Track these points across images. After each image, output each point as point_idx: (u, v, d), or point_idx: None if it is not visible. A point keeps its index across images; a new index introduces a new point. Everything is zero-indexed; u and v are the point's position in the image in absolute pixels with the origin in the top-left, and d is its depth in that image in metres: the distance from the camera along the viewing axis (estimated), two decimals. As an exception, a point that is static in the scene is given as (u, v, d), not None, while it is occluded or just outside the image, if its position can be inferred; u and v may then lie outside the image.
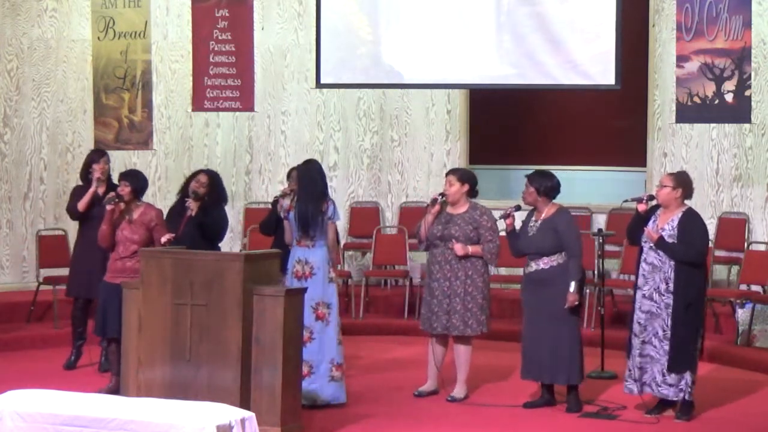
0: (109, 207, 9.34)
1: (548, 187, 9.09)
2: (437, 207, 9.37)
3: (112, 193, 9.48)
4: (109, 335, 9.33)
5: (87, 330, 10.45)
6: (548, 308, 8.93)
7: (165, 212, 10.10)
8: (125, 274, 9.15)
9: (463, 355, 9.41)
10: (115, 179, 10.22)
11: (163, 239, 9.14)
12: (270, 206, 10.69)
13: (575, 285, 8.88)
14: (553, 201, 9.13)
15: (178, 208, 10.12)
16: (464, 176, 9.46)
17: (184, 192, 10.18)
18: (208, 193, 10.06)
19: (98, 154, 10.76)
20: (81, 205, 10.44)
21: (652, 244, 8.70)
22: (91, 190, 10.42)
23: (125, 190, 9.37)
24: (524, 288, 9.22)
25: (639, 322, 8.77)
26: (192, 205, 9.94)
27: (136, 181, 9.46)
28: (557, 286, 8.90)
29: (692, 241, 8.65)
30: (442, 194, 9.39)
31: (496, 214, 9.36)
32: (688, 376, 8.65)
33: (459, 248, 9.25)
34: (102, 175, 10.45)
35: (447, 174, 9.54)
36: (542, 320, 8.96)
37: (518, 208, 9.30)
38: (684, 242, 8.63)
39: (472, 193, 9.42)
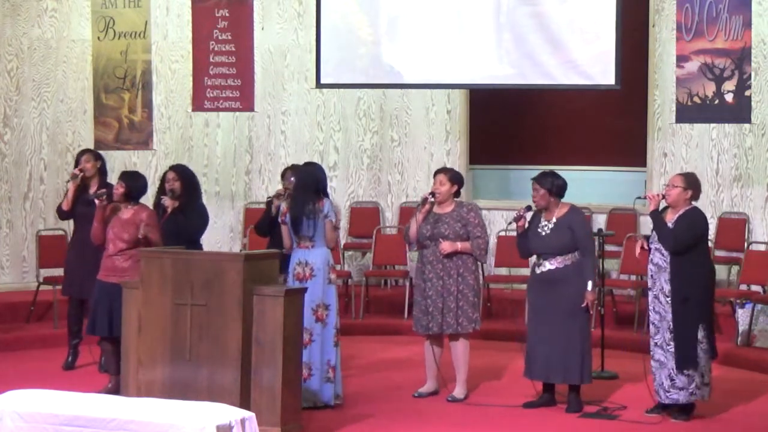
0: (97, 201, 9.35)
1: (559, 186, 9.06)
2: (428, 206, 9.36)
3: (103, 189, 9.50)
4: (98, 333, 9.35)
5: (82, 329, 10.45)
6: (561, 307, 8.89)
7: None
8: (115, 273, 9.18)
9: (461, 355, 9.39)
10: (113, 179, 10.21)
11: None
12: (264, 207, 10.64)
13: (592, 284, 8.87)
14: (562, 201, 9.12)
15: (156, 206, 10.02)
16: (454, 177, 9.46)
17: (161, 192, 10.05)
18: (183, 188, 9.91)
19: (82, 152, 10.77)
20: (65, 203, 10.48)
21: (657, 245, 8.67)
22: (72, 186, 10.42)
23: (119, 190, 9.35)
24: (533, 288, 9.16)
25: (653, 323, 8.74)
26: (167, 203, 9.80)
27: (133, 183, 9.39)
28: (571, 286, 8.87)
29: (679, 230, 8.61)
30: (433, 194, 9.37)
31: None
32: (697, 377, 8.60)
33: (447, 246, 9.24)
34: (82, 171, 10.40)
35: (437, 173, 9.50)
36: (554, 320, 8.92)
37: (529, 208, 9.25)
38: (673, 230, 8.62)
39: (457, 194, 9.45)
